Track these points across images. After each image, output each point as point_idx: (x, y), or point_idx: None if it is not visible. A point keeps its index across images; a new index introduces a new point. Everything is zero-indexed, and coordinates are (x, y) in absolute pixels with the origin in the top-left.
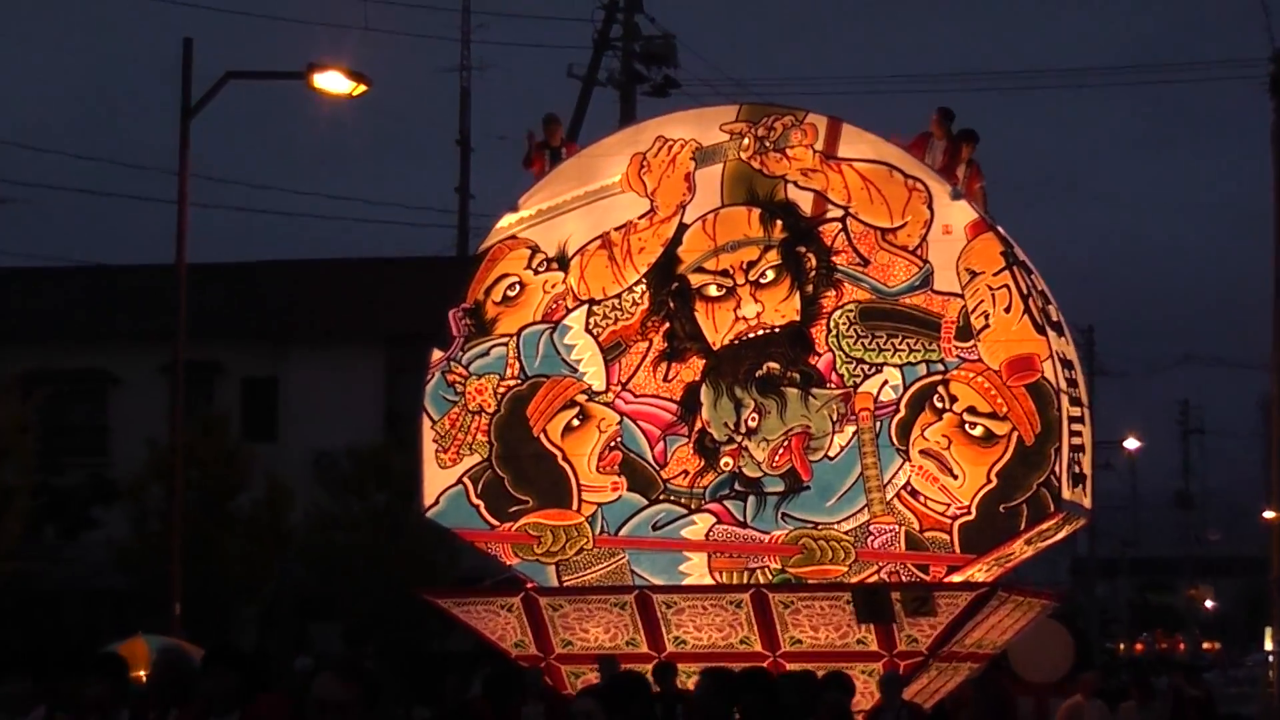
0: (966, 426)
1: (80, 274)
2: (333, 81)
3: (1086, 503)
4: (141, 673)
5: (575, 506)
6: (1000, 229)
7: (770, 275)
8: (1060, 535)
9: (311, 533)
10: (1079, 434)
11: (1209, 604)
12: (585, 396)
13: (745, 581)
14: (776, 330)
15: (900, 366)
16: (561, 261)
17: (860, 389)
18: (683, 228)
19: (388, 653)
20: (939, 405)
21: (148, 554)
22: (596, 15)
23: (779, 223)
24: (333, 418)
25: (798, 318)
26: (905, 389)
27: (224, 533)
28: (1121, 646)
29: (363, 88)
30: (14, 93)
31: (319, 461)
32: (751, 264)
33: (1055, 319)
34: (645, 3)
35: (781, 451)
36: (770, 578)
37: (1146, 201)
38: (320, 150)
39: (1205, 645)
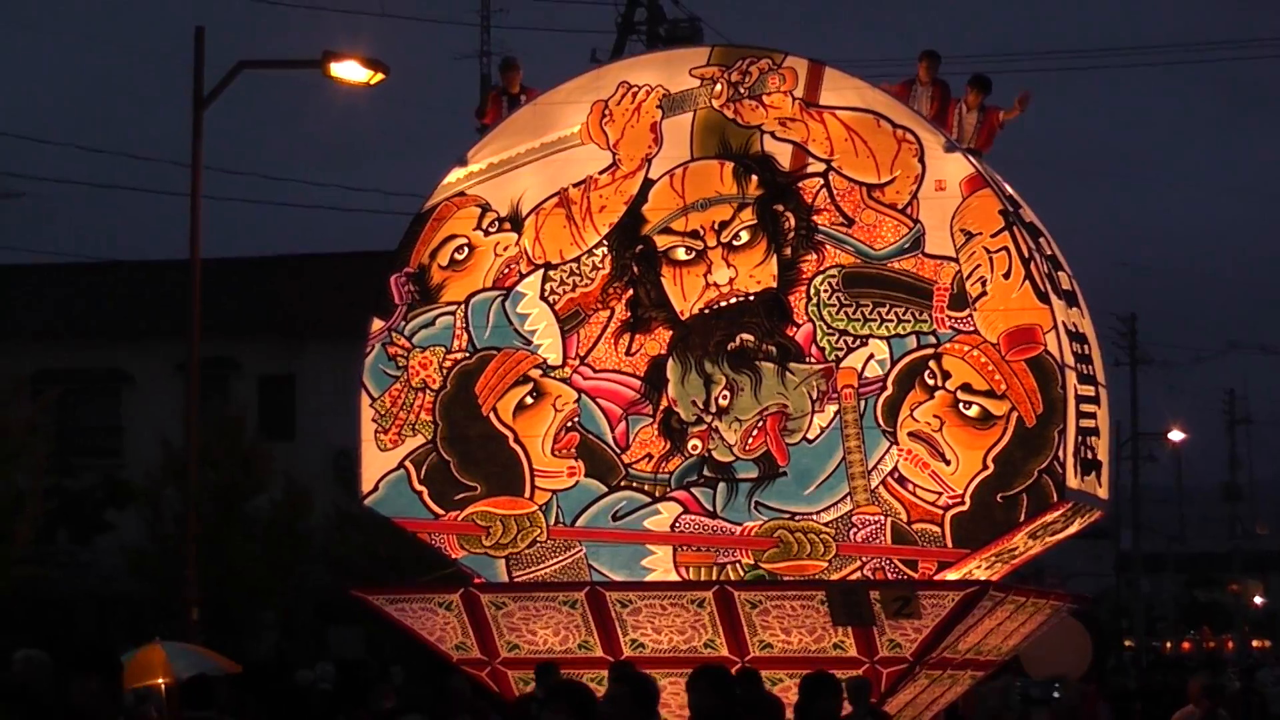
0: (960, 406)
1: (90, 270)
2: (349, 70)
3: (1101, 493)
4: (160, 681)
5: (528, 494)
6: (1006, 185)
7: (744, 237)
8: (1071, 529)
9: (331, 534)
10: (1091, 415)
11: (1258, 600)
12: (540, 371)
13: (715, 578)
14: (751, 298)
15: (887, 339)
16: (514, 221)
17: (843, 364)
18: (648, 184)
19: (410, 658)
20: (930, 382)
21: (163, 558)
22: None
23: (754, 178)
24: (352, 415)
25: (775, 284)
26: (893, 364)
27: (241, 535)
28: (1168, 645)
29: (380, 76)
30: (22, 84)
31: (339, 461)
32: (724, 224)
33: (1067, 287)
34: None
35: (755, 433)
36: (742, 574)
37: (1192, 184)
38: (337, 141)
39: (1255, 643)
